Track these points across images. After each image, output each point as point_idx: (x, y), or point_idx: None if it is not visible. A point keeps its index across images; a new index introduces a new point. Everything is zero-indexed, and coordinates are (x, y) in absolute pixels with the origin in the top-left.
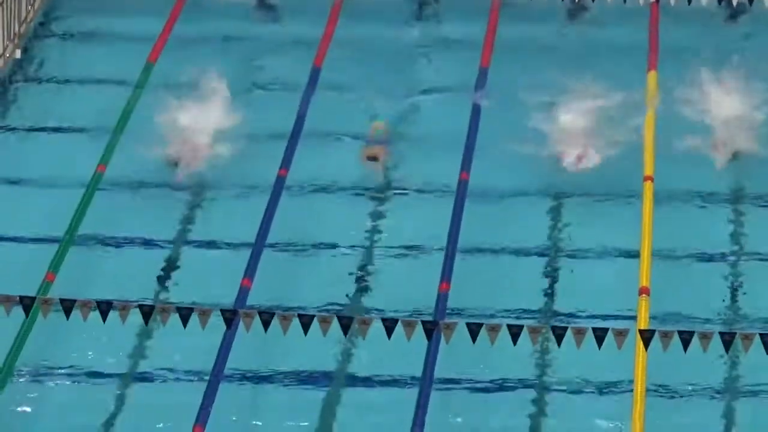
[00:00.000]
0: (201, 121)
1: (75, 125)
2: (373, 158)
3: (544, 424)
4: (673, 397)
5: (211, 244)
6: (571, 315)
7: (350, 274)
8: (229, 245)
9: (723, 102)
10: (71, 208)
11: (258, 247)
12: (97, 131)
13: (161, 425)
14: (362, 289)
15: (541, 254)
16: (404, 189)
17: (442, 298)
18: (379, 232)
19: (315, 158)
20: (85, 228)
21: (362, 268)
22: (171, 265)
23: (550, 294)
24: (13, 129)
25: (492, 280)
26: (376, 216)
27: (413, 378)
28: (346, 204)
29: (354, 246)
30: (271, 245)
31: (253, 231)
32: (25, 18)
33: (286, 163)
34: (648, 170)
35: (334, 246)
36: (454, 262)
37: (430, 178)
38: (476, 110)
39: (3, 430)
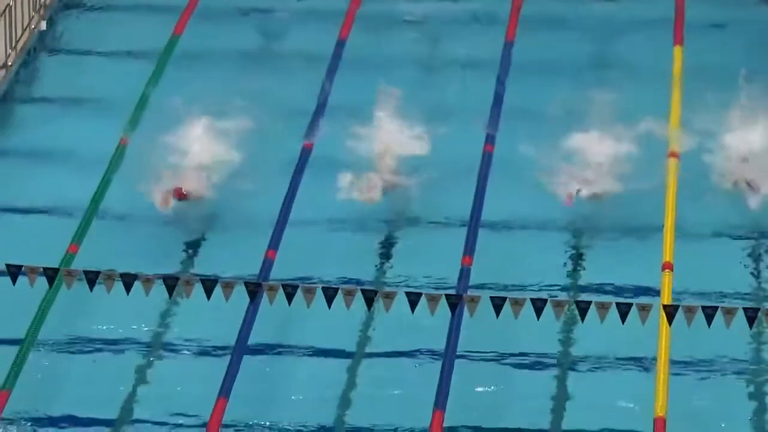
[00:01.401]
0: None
1: (98, 97)
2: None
3: (567, 399)
4: (697, 372)
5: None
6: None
7: (374, 248)
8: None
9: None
10: (95, 180)
11: (282, 221)
12: (119, 103)
13: (185, 396)
14: (385, 263)
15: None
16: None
17: (465, 272)
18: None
19: (337, 133)
20: (108, 201)
21: (385, 242)
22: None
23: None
24: (41, 100)
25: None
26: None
27: (436, 352)
28: None
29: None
30: (295, 221)
31: (277, 206)
32: None
33: (309, 135)
34: (674, 147)
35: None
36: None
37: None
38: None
39: (27, 399)
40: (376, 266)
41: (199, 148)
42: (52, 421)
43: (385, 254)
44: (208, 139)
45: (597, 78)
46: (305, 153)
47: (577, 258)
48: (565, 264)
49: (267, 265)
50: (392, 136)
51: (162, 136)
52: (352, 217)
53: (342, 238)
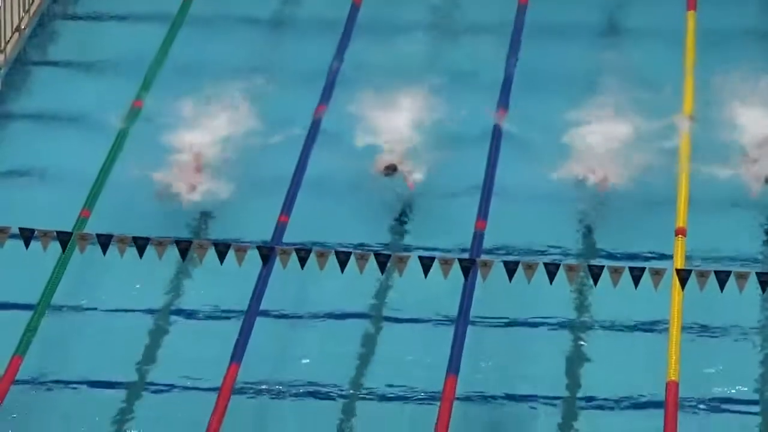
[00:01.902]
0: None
1: (113, 60)
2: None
3: (579, 364)
4: (713, 337)
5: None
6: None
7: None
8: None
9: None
10: (109, 143)
11: (295, 184)
12: (134, 66)
13: (198, 360)
14: (399, 227)
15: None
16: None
17: (478, 236)
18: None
19: (348, 101)
20: (119, 167)
21: (399, 208)
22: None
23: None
24: (55, 63)
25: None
26: None
27: (449, 317)
28: None
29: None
30: (309, 183)
31: (290, 169)
32: None
33: (324, 101)
34: (687, 109)
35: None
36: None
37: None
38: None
39: (40, 364)
40: (389, 232)
41: (214, 113)
42: (66, 385)
43: (399, 220)
44: (222, 104)
45: (610, 43)
46: (318, 119)
47: (589, 227)
48: (577, 231)
49: (280, 229)
50: (406, 103)
51: (175, 101)
52: (366, 183)
53: (355, 204)
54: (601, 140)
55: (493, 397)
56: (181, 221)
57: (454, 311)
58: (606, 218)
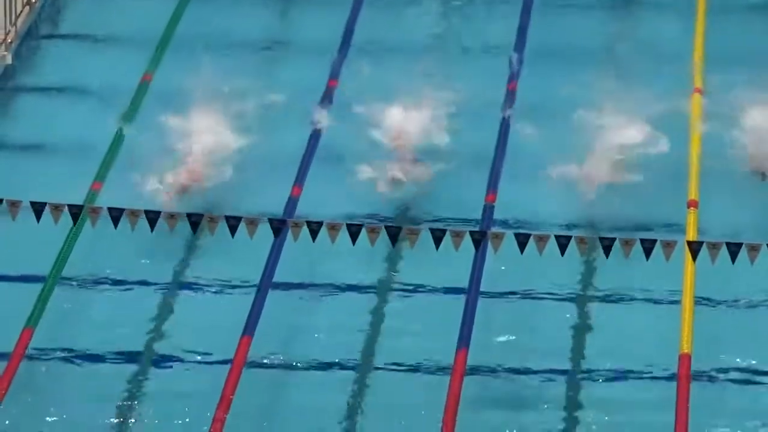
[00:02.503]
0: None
1: (121, 34)
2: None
3: (591, 337)
4: (726, 309)
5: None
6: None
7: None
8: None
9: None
10: (117, 117)
11: (307, 157)
12: (143, 39)
13: (210, 334)
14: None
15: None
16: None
17: (489, 208)
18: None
19: (365, 70)
20: (131, 140)
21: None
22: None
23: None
24: (64, 37)
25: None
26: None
27: (459, 289)
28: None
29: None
30: (321, 156)
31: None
32: None
33: (334, 74)
34: (698, 83)
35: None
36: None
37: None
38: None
39: (51, 336)
40: (399, 206)
41: (224, 88)
42: (77, 357)
43: (410, 192)
44: (231, 80)
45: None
46: (330, 91)
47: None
48: (587, 204)
49: (291, 202)
50: (414, 80)
51: (185, 73)
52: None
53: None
54: (612, 114)
55: (504, 370)
56: (194, 198)
57: (464, 284)
58: (617, 191)
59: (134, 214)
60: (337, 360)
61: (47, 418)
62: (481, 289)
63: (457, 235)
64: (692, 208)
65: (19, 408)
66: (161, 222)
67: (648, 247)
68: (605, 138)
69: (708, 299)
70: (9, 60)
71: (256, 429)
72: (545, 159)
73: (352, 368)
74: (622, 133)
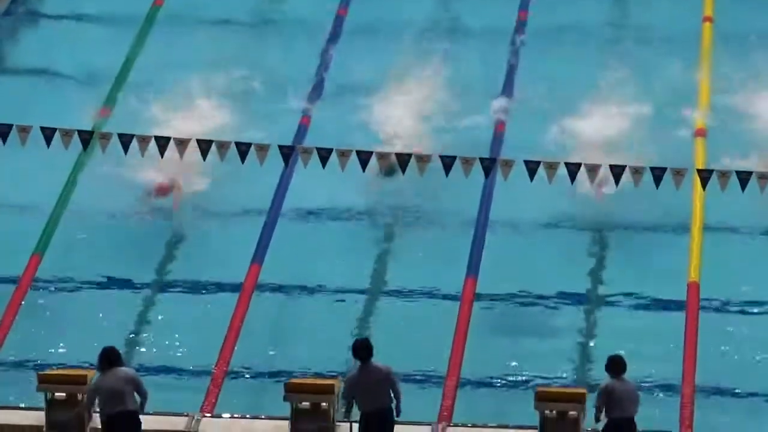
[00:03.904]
0: None
1: None
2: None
3: (600, 264)
4: (729, 236)
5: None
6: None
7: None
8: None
9: None
10: (128, 44)
11: (317, 85)
12: None
13: (219, 261)
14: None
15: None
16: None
17: (498, 136)
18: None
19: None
20: (138, 68)
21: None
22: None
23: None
24: None
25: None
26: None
27: (468, 221)
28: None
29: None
30: (330, 86)
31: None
32: None
33: (344, 4)
34: (708, 11)
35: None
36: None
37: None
38: None
39: (58, 262)
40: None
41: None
42: (86, 285)
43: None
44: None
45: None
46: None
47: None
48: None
49: (301, 130)
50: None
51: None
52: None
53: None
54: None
55: (512, 297)
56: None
57: (472, 216)
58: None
59: (144, 140)
60: (346, 287)
61: (51, 349)
62: (491, 220)
63: (467, 162)
64: (700, 137)
65: (24, 336)
66: (171, 146)
67: (658, 175)
68: None
69: (718, 228)
70: None
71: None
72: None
73: (362, 293)
74: None
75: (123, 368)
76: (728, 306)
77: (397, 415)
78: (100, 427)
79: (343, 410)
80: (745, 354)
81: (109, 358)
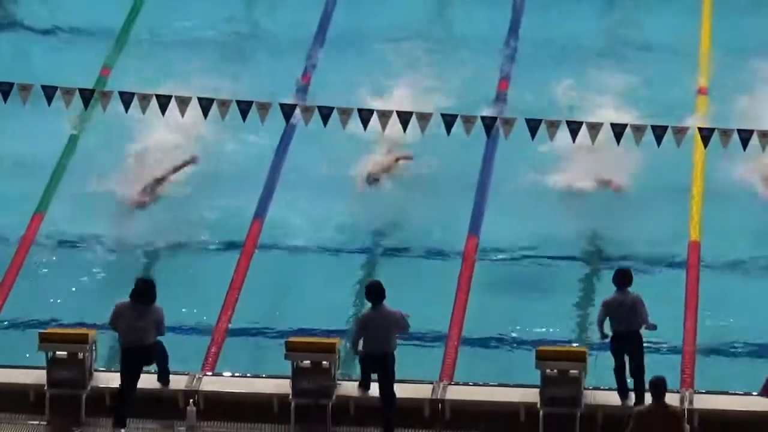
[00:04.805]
0: None
1: None
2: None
3: (601, 224)
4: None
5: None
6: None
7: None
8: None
9: None
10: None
11: (317, 41)
12: None
13: (220, 220)
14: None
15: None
16: None
17: (501, 95)
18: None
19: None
20: (142, 23)
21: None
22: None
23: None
24: None
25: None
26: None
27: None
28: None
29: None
30: (332, 41)
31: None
32: None
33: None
34: None
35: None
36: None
37: None
38: None
39: (68, 220)
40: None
41: None
42: (88, 243)
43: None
44: None
45: None
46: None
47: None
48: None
49: (301, 89)
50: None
51: None
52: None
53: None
54: None
55: (513, 256)
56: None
57: (473, 179)
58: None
59: (145, 98)
60: (349, 245)
61: (52, 308)
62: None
63: (468, 121)
64: (702, 94)
65: (26, 295)
66: (173, 104)
67: (659, 133)
68: None
69: (719, 189)
70: None
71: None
72: None
73: (364, 252)
74: None
75: (153, 306)
76: (727, 265)
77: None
78: (101, 385)
79: (349, 346)
80: (744, 312)
81: (142, 294)
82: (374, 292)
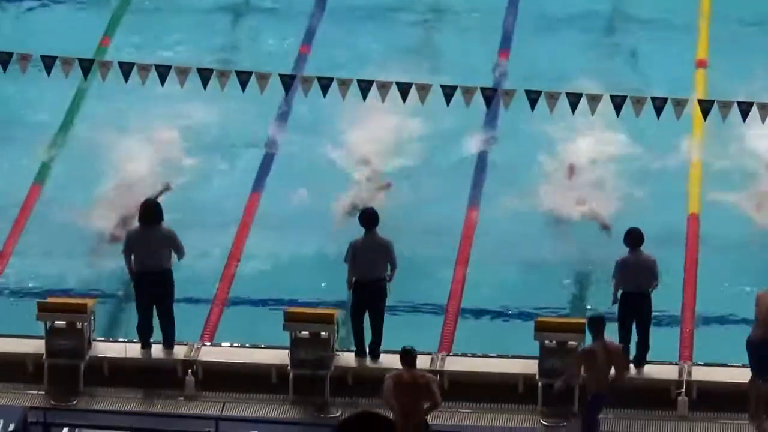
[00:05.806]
0: None
1: None
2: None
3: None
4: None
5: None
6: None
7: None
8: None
9: None
10: None
11: (317, 14)
12: None
13: (221, 194)
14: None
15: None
16: None
17: (501, 67)
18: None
19: None
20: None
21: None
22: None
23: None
24: None
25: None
26: None
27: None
28: None
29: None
30: (332, 12)
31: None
32: None
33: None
34: None
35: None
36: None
37: None
38: None
39: (59, 192)
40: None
41: None
42: (87, 214)
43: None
44: None
45: None
46: None
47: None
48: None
49: (300, 59)
50: None
51: None
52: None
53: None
54: None
55: (512, 228)
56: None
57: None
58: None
59: (144, 68)
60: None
61: (50, 278)
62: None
63: (468, 92)
64: (701, 68)
65: (24, 264)
66: (172, 75)
67: (659, 105)
68: None
69: (717, 163)
70: None
71: None
72: None
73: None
74: None
75: (163, 228)
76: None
77: (389, 280)
78: (99, 355)
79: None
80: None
81: (148, 214)
82: (369, 217)
